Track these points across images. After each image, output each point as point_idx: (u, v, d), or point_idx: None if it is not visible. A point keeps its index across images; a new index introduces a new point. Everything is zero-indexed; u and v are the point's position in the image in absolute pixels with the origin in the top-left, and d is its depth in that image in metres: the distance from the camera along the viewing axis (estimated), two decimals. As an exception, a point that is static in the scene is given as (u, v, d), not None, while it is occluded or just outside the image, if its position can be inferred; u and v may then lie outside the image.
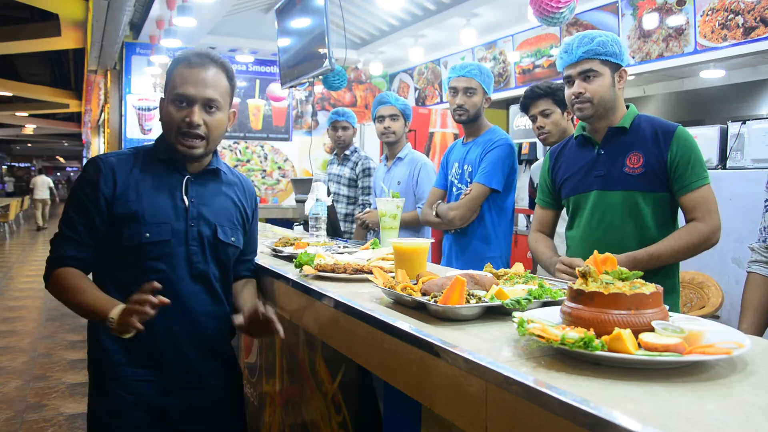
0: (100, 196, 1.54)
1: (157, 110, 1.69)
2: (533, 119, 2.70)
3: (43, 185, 17.41)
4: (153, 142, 1.68)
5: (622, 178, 1.93)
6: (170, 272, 1.57)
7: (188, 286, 1.60)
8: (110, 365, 1.57)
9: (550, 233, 2.23)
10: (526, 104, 2.72)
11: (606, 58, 1.91)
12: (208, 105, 1.57)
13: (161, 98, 1.61)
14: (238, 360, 1.83)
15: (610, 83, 1.93)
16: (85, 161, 23.56)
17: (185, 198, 1.60)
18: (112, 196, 1.54)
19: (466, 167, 2.75)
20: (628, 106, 2.01)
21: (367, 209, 3.45)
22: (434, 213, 2.76)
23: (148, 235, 1.54)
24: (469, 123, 2.76)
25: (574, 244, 2.09)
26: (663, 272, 1.91)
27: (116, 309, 1.40)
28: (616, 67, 1.94)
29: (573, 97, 1.96)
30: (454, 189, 2.80)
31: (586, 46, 1.91)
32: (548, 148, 2.78)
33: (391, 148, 3.37)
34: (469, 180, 2.72)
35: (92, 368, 1.63)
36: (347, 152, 3.85)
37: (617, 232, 1.95)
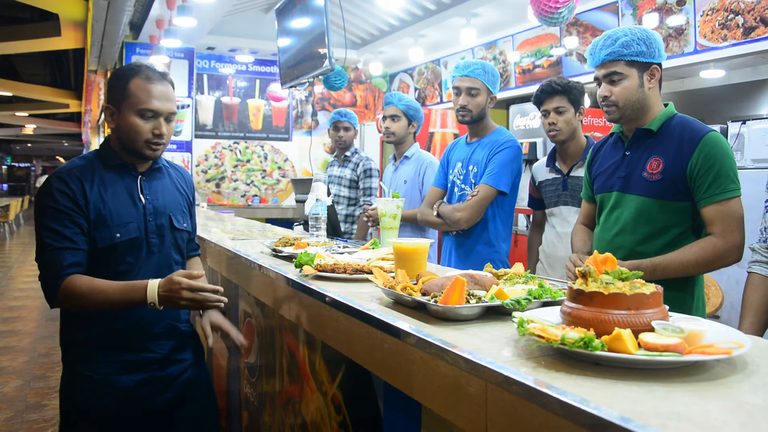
0: (80, 204, 1.65)
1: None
2: (545, 114, 2.66)
3: None
4: (98, 149, 1.80)
5: (640, 183, 1.87)
6: (136, 264, 1.75)
7: (152, 274, 1.73)
8: (79, 350, 1.73)
9: (592, 225, 2.17)
10: (541, 98, 2.66)
11: (632, 59, 1.84)
12: (169, 117, 1.75)
13: (108, 106, 1.73)
14: (198, 337, 1.99)
15: (637, 84, 1.86)
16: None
17: (141, 196, 1.77)
18: (86, 204, 1.66)
19: (471, 168, 2.68)
20: (666, 106, 1.94)
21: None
22: (435, 213, 2.70)
23: (118, 235, 1.70)
24: (474, 123, 2.69)
25: (595, 242, 2.06)
26: (673, 284, 1.81)
27: (152, 293, 1.57)
28: (645, 66, 1.86)
29: (600, 99, 1.91)
30: (456, 189, 2.73)
31: (609, 48, 1.85)
32: (551, 145, 2.78)
33: (398, 148, 3.35)
34: (474, 181, 2.65)
35: (64, 356, 1.78)
36: (347, 153, 3.83)
37: (628, 236, 1.90)
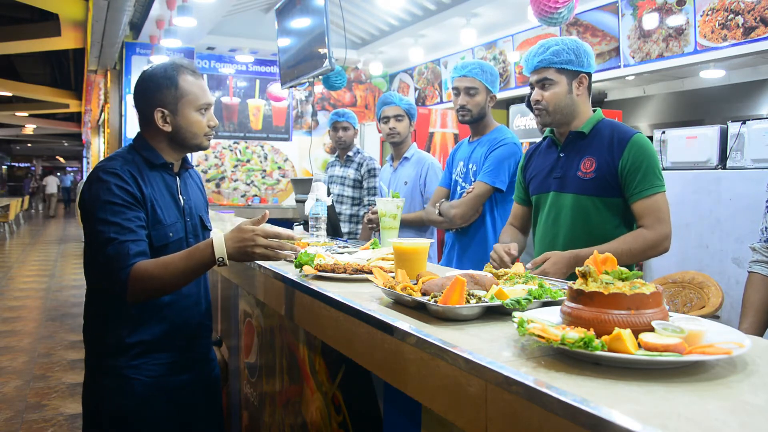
0: (138, 198, 1.63)
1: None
2: None
3: (52, 183, 24.16)
4: (130, 147, 1.75)
5: (575, 181, 2.00)
6: None
7: None
8: (128, 354, 1.67)
9: (522, 227, 2.30)
10: None
11: (561, 67, 1.97)
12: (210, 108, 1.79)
13: (159, 110, 1.68)
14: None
15: (566, 91, 1.99)
16: (85, 162, 23.77)
17: (180, 197, 1.78)
18: (143, 198, 1.64)
19: (471, 166, 2.71)
20: (595, 111, 2.07)
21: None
22: (437, 212, 2.74)
23: (171, 234, 1.70)
24: (474, 123, 2.72)
25: (536, 242, 2.18)
26: None
27: (219, 248, 1.53)
28: (574, 74, 1.99)
29: (533, 103, 2.04)
30: (458, 188, 2.76)
31: (541, 56, 1.98)
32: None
33: (396, 149, 3.35)
34: (473, 179, 2.68)
35: (100, 361, 1.69)
36: (350, 153, 3.83)
37: (568, 232, 2.02)
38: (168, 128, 1.70)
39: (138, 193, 1.62)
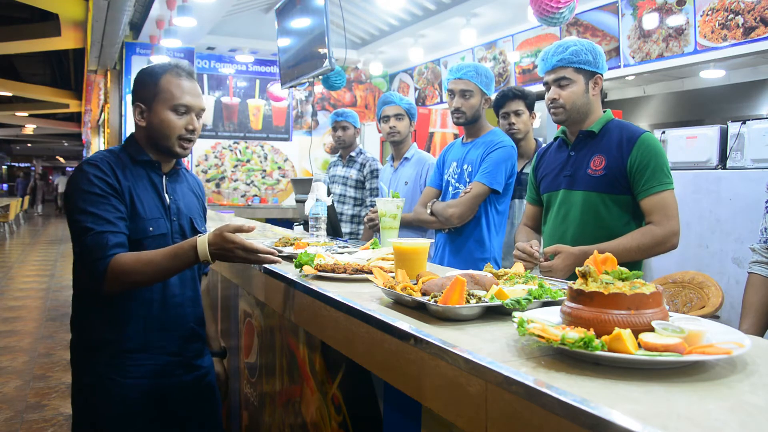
0: (117, 189, 1.63)
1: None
2: (505, 116, 3.00)
3: (64, 184, 23.84)
4: (121, 145, 1.78)
5: (585, 179, 2.04)
6: None
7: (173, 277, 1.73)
8: (105, 353, 1.66)
9: (535, 227, 2.33)
10: (501, 103, 3.01)
11: (579, 66, 2.02)
12: (199, 114, 1.75)
13: (138, 104, 1.72)
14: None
15: (583, 90, 2.04)
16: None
17: (166, 196, 1.76)
18: (121, 189, 1.64)
19: (465, 167, 2.72)
20: (605, 111, 2.11)
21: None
22: (429, 211, 2.75)
23: (151, 229, 1.68)
24: (469, 125, 2.75)
25: (545, 239, 2.21)
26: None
27: (203, 251, 1.54)
28: (590, 75, 2.05)
29: (549, 102, 2.08)
30: (451, 188, 2.77)
31: (560, 55, 2.03)
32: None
33: (397, 149, 3.36)
34: (468, 180, 2.70)
35: (83, 359, 1.70)
36: (353, 154, 3.82)
37: (577, 229, 2.05)
38: (143, 123, 1.72)
39: (116, 183, 1.63)
